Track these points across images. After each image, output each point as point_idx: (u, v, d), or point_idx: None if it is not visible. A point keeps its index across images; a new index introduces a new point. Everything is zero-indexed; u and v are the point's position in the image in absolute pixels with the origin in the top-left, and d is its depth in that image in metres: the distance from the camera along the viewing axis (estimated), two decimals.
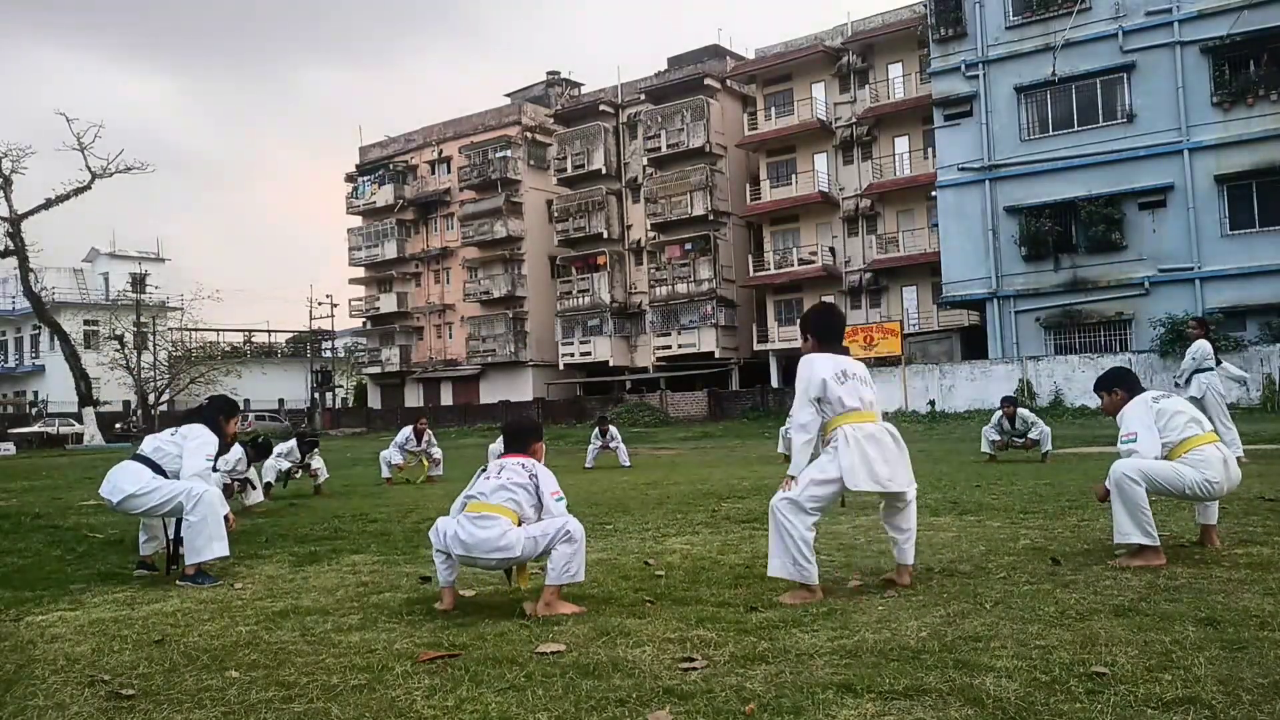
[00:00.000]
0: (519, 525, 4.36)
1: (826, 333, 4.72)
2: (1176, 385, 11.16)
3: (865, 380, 4.54)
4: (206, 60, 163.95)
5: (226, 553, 5.55)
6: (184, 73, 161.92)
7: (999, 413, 13.18)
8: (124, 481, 5.56)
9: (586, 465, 16.07)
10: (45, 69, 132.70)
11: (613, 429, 16.77)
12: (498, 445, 14.23)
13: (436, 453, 14.35)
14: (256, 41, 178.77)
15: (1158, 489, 4.94)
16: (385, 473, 14.02)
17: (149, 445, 5.81)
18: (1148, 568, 4.67)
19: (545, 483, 4.49)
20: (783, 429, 15.27)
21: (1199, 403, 10.25)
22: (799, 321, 4.96)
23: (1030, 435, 12.77)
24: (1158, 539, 4.84)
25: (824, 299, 39.18)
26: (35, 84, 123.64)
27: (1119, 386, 5.37)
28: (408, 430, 14.43)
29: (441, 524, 4.49)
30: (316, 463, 12.20)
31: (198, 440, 5.72)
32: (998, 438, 13.12)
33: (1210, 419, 9.10)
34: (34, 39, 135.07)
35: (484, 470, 4.63)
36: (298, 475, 12.16)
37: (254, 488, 9.98)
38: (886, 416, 4.77)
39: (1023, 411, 13.07)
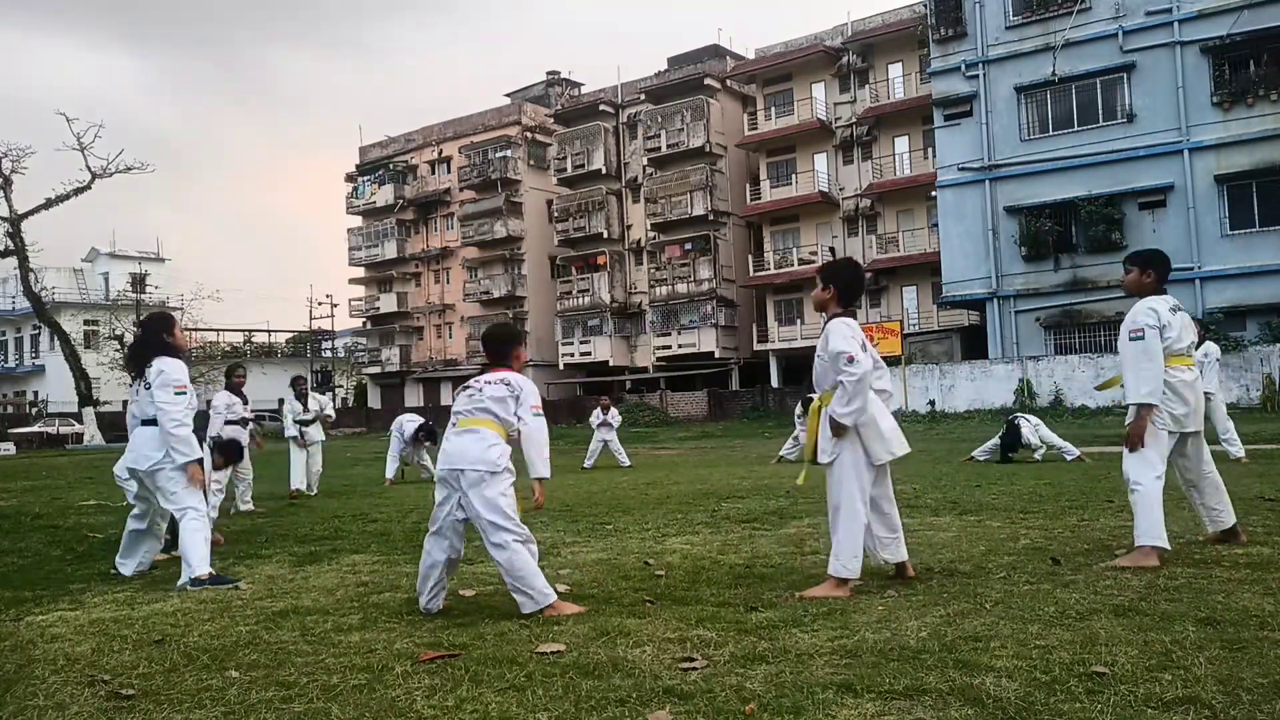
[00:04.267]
0: (505, 438, 4.41)
1: (851, 290, 4.66)
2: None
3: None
4: (207, 60, 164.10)
5: (209, 570, 5.40)
6: (183, 70, 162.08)
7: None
8: (146, 447, 5.49)
9: (585, 465, 16.06)
10: (37, 62, 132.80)
11: (614, 411, 16.73)
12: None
13: (428, 461, 14.32)
14: (255, 38, 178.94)
15: (1161, 457, 4.97)
16: (389, 474, 14.06)
17: (142, 412, 5.60)
18: (1145, 568, 4.66)
19: (527, 396, 4.48)
20: (793, 436, 15.33)
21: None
22: (821, 269, 4.76)
23: (1036, 457, 12.44)
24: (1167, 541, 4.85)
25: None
26: (28, 80, 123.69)
27: (1153, 268, 5.07)
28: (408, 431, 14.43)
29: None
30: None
31: (161, 380, 5.48)
32: (992, 455, 12.81)
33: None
34: (16, 28, 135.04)
35: (465, 387, 4.58)
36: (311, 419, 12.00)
37: (249, 486, 10.00)
38: None
39: (1026, 432, 12.59)
